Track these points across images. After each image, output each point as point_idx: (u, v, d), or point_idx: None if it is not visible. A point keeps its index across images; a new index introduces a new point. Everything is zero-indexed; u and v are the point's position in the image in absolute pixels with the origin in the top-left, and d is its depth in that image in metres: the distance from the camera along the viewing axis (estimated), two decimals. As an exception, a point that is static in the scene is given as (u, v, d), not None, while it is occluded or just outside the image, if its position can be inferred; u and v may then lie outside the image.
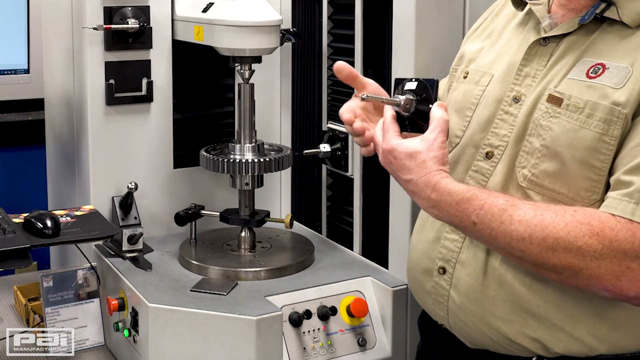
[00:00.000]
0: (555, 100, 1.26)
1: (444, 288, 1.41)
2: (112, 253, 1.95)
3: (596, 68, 1.24)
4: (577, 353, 1.28)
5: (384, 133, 1.35)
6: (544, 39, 1.33)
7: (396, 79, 1.39)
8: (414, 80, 1.35)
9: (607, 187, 1.22)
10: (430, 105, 1.32)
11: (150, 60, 2.00)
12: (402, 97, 1.33)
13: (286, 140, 2.24)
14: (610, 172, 1.21)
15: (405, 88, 1.35)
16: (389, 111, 1.36)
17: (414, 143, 1.30)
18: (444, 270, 1.40)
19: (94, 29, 1.89)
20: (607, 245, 1.13)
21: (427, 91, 1.33)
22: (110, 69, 1.96)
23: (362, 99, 1.34)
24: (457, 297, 1.38)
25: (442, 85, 1.61)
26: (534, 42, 1.34)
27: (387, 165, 1.35)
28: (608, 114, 1.20)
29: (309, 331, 1.72)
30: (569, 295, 1.26)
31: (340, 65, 1.47)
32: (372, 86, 1.50)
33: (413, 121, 1.34)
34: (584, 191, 1.23)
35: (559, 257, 1.16)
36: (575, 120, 1.23)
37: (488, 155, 1.36)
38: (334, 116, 2.07)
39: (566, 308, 1.27)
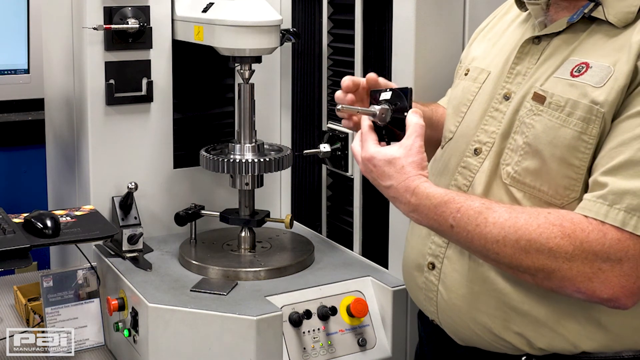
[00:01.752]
0: (539, 98, 1.27)
1: (433, 283, 1.42)
2: (112, 253, 1.95)
3: (580, 67, 1.24)
4: (561, 350, 1.29)
5: (363, 142, 1.37)
6: (537, 37, 1.34)
7: (371, 91, 1.41)
8: (388, 90, 1.37)
9: (586, 185, 1.22)
10: (406, 113, 1.33)
11: (150, 60, 2.00)
12: (377, 107, 1.35)
13: (286, 140, 2.24)
14: (589, 171, 1.22)
15: (381, 98, 1.37)
16: (365, 121, 1.38)
17: (393, 150, 1.32)
18: (433, 266, 1.42)
19: (94, 29, 1.89)
20: (578, 247, 1.14)
21: (401, 100, 1.35)
22: (110, 69, 1.96)
23: (338, 110, 1.36)
24: (445, 293, 1.39)
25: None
26: (526, 41, 1.36)
27: (368, 173, 1.36)
28: (587, 112, 1.21)
29: (309, 331, 1.72)
30: (551, 291, 1.26)
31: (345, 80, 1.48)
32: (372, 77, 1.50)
33: (390, 130, 1.36)
34: (563, 189, 1.24)
35: (532, 259, 1.17)
36: (556, 118, 1.24)
37: (476, 152, 1.37)
38: (334, 116, 2.07)
39: (549, 304, 1.27)
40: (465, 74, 1.48)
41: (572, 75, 1.25)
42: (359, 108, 1.38)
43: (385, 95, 1.37)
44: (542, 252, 1.16)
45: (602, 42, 1.25)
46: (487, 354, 1.36)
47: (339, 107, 1.36)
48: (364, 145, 1.36)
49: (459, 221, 1.23)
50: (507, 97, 1.35)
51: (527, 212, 1.19)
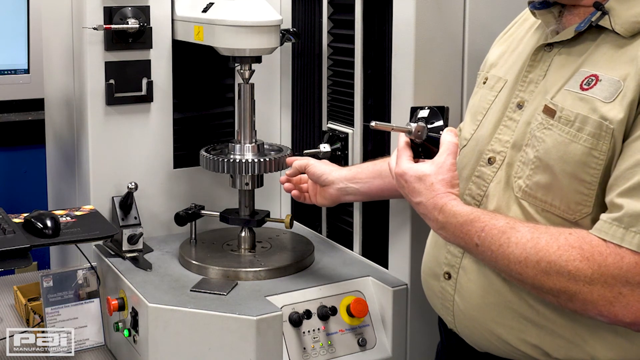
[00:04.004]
0: (549, 112, 1.26)
1: (449, 293, 1.41)
2: (112, 253, 1.95)
3: (589, 80, 1.22)
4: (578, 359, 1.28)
5: (397, 158, 1.39)
6: (549, 45, 1.32)
7: (411, 108, 1.44)
8: (426, 108, 1.40)
9: (599, 201, 1.21)
10: (441, 132, 1.36)
11: (150, 60, 2.00)
12: (413, 125, 1.38)
13: (286, 140, 2.24)
14: (601, 186, 1.20)
15: (419, 116, 1.40)
16: (402, 138, 1.40)
17: (424, 167, 1.33)
18: (449, 276, 1.41)
19: (94, 29, 1.89)
20: (596, 270, 1.13)
21: (438, 118, 1.38)
22: (110, 69, 1.96)
23: (371, 127, 1.37)
24: (461, 303, 1.39)
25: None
26: (538, 48, 1.34)
27: (400, 188, 1.38)
28: (597, 128, 1.19)
29: (309, 331, 1.72)
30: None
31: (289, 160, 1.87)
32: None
33: (426, 148, 1.39)
34: (574, 204, 1.23)
35: (553, 281, 1.16)
36: (566, 133, 1.22)
37: (490, 161, 1.36)
38: (334, 116, 2.07)
39: (564, 315, 1.26)
40: (484, 82, 1.47)
41: (581, 88, 1.23)
42: (394, 125, 1.40)
43: (423, 113, 1.40)
44: (562, 274, 1.15)
45: (611, 54, 1.22)
46: None
47: (372, 123, 1.37)
48: (398, 161, 1.38)
49: (483, 240, 1.23)
50: (520, 106, 1.34)
51: (549, 233, 1.18)
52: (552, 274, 1.16)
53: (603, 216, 1.17)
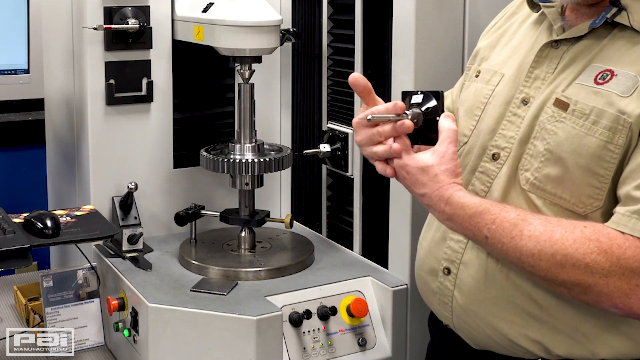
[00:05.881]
0: (562, 105, 1.25)
1: (448, 289, 1.41)
2: (112, 253, 1.95)
3: (604, 74, 1.23)
4: (579, 357, 1.28)
5: None
6: (556, 41, 1.32)
7: (403, 92, 1.39)
8: (419, 93, 1.35)
9: (610, 194, 1.21)
10: (438, 118, 1.32)
11: (150, 60, 2.00)
12: (408, 112, 1.33)
13: (286, 140, 2.24)
14: (614, 180, 1.20)
15: (412, 102, 1.35)
16: None
17: (426, 157, 1.30)
18: (448, 271, 1.41)
19: (94, 29, 1.89)
20: (615, 263, 1.13)
21: (432, 103, 1.34)
22: (110, 69, 1.96)
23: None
24: (461, 298, 1.38)
25: (457, 84, 1.61)
26: (545, 45, 1.33)
27: (402, 180, 1.34)
28: (613, 122, 1.19)
29: (309, 331, 1.72)
30: (570, 298, 1.25)
31: (357, 77, 1.36)
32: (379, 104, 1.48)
33: (423, 134, 1.35)
34: (586, 198, 1.23)
35: (567, 274, 1.16)
36: (580, 126, 1.22)
37: (494, 157, 1.35)
38: (334, 116, 2.07)
39: (567, 311, 1.27)
40: (477, 76, 1.46)
41: (596, 82, 1.23)
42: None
43: (417, 99, 1.35)
44: (578, 267, 1.15)
45: (625, 49, 1.23)
46: (502, 357, 1.36)
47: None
48: None
49: (493, 233, 1.22)
50: (525, 102, 1.33)
51: (563, 226, 1.18)
52: (568, 266, 1.15)
53: (620, 209, 1.17)
